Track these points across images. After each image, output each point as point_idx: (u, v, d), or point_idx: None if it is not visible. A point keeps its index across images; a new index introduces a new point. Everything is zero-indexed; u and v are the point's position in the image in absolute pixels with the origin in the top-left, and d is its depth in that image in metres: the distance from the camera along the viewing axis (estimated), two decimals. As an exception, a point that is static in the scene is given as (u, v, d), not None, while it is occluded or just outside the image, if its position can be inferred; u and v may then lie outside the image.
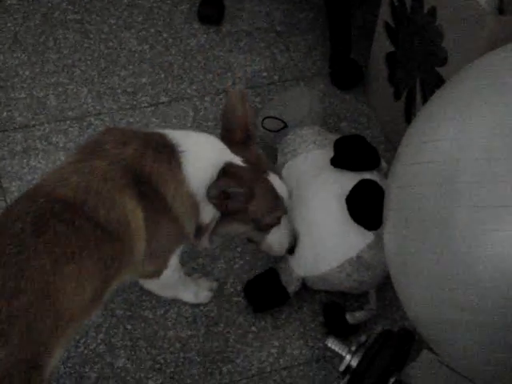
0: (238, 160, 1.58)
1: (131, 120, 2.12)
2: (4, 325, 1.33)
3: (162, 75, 2.22)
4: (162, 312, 1.82)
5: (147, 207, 1.51)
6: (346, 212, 1.73)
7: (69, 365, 1.73)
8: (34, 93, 2.16)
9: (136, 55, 2.26)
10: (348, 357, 1.60)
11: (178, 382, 1.73)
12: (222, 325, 1.81)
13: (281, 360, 1.77)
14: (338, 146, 1.77)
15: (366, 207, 1.69)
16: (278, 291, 1.77)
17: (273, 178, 1.62)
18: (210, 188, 1.53)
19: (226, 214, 1.60)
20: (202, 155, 1.57)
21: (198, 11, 2.33)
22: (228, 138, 1.61)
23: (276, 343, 1.79)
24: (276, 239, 1.68)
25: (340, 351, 1.62)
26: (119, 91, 2.18)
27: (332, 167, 1.79)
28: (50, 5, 2.35)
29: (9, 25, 2.30)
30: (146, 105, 2.16)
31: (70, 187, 1.46)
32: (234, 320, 1.82)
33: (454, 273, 1.30)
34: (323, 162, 1.82)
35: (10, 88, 2.17)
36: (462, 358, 1.40)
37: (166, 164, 1.53)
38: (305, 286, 1.81)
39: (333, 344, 1.63)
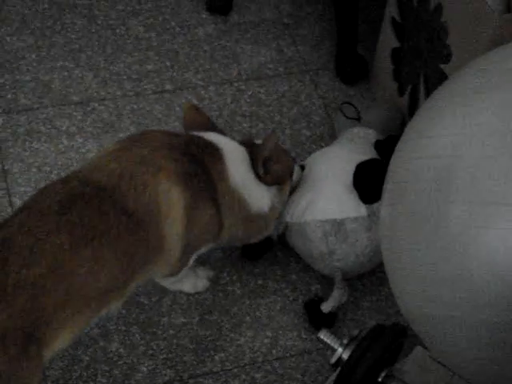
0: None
1: (135, 107, 2.12)
2: (10, 288, 1.35)
3: (168, 63, 2.22)
4: (157, 298, 1.82)
5: (190, 195, 1.54)
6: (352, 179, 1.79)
7: (62, 347, 1.74)
8: (40, 76, 2.16)
9: (142, 42, 2.26)
10: (340, 349, 1.60)
11: (170, 369, 1.73)
12: (216, 313, 1.81)
13: (273, 350, 1.77)
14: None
15: (371, 180, 1.74)
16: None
17: None
18: (257, 168, 1.66)
19: (277, 183, 1.72)
20: (234, 151, 1.66)
21: (206, 1, 2.33)
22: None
23: (269, 334, 1.79)
24: (296, 172, 1.82)
25: (332, 344, 1.62)
26: (124, 78, 2.18)
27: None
28: (59, -11, 2.36)
29: (17, 7, 2.30)
30: (150, 92, 2.16)
31: (106, 173, 1.49)
32: (229, 309, 1.82)
33: (446, 269, 1.30)
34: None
35: (15, 70, 2.17)
36: (453, 355, 1.40)
37: (213, 157, 1.61)
38: (300, 276, 1.81)
39: (325, 336, 1.63)
